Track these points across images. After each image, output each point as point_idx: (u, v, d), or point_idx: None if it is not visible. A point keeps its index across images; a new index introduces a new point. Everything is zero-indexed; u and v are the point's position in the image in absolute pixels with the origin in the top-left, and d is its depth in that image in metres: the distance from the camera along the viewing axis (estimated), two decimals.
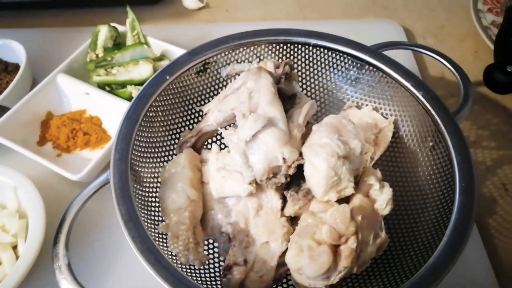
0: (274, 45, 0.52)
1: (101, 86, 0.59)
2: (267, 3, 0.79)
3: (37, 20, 0.77)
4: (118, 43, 0.64)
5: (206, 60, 0.49)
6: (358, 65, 0.50)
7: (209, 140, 0.52)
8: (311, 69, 0.53)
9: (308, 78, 0.53)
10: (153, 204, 0.43)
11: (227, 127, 0.48)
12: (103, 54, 0.62)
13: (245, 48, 0.51)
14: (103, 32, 0.62)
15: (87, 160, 0.55)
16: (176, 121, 0.50)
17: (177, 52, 0.62)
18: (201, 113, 0.52)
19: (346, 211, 0.36)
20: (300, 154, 0.42)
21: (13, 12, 0.78)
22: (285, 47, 0.52)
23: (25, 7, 0.78)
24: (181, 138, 0.49)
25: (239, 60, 0.52)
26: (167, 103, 0.48)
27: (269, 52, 0.52)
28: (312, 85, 0.54)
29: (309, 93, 0.54)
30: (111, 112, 0.57)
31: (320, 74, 0.53)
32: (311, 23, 0.75)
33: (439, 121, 0.43)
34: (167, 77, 0.47)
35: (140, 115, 0.44)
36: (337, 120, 0.43)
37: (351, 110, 0.51)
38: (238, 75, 0.52)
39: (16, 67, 0.64)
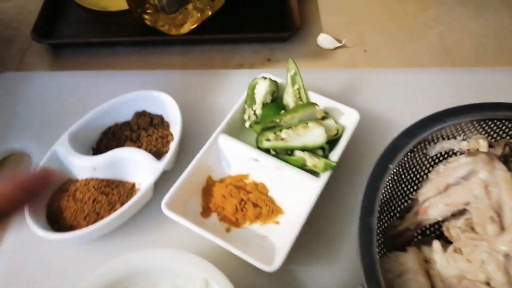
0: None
1: (267, 150, 0.54)
2: (407, 44, 0.73)
3: (162, 59, 0.72)
4: (275, 97, 0.58)
5: (420, 141, 0.44)
6: None
7: None
8: None
9: None
10: None
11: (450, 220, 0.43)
12: (261, 111, 0.56)
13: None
14: (263, 86, 0.56)
15: (261, 237, 0.50)
16: (385, 208, 0.44)
17: (341, 109, 0.56)
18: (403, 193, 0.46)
19: None
20: None
21: (130, 49, 0.73)
22: (489, 123, 0.46)
23: (146, 44, 0.73)
24: (391, 229, 0.43)
25: (443, 136, 0.46)
26: (386, 193, 0.42)
27: (472, 127, 0.46)
28: None
29: None
30: (280, 181, 0.52)
31: None
32: (460, 70, 0.68)
33: None
34: (390, 166, 0.41)
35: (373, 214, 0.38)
36: None
37: None
38: (447, 153, 0.47)
39: (161, 119, 0.59)
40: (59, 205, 0.52)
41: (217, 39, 0.71)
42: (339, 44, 0.71)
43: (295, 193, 0.52)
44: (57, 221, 0.51)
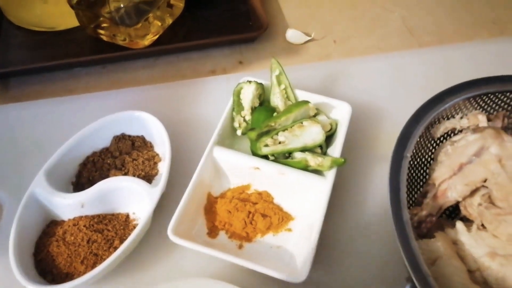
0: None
1: (264, 156, 0.51)
2: (373, 30, 0.73)
3: (127, 76, 0.67)
4: (262, 101, 0.56)
5: (427, 124, 0.43)
6: None
7: None
8: None
9: None
10: None
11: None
12: (250, 117, 0.54)
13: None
14: (249, 90, 0.54)
15: (276, 248, 0.48)
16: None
17: (330, 103, 0.54)
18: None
19: None
20: None
21: (89, 70, 0.67)
22: (485, 98, 0.47)
23: (106, 62, 0.68)
24: (412, 217, 0.43)
25: (444, 116, 0.46)
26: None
27: (468, 104, 0.47)
28: None
29: None
30: (285, 186, 0.50)
31: None
32: (428, 50, 0.70)
33: None
34: (408, 155, 0.40)
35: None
36: None
37: None
38: (447, 133, 0.47)
39: (143, 141, 0.55)
40: (49, 252, 0.46)
41: (184, 47, 0.68)
42: (309, 38, 0.70)
43: (302, 196, 0.50)
44: (49, 271, 0.45)
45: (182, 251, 0.48)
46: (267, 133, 0.51)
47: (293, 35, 0.70)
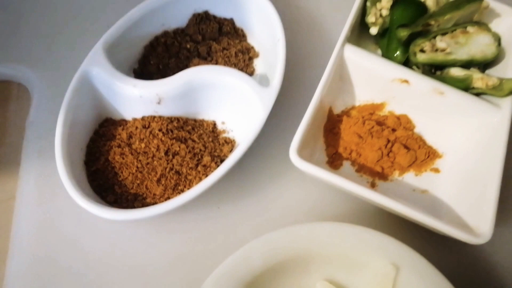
0: None
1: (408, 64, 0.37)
2: None
3: None
4: None
5: None
6: None
7: None
8: None
9: None
10: None
11: None
12: (388, 12, 0.38)
13: None
14: None
15: (421, 192, 0.35)
16: None
17: (494, 7, 0.40)
18: None
19: None
20: None
21: None
22: None
23: None
24: None
25: None
26: None
27: None
28: None
29: None
30: (434, 112, 0.36)
31: None
32: None
33: None
34: None
35: None
36: None
37: None
38: None
39: (232, 26, 0.39)
40: (108, 162, 0.32)
41: None
42: None
43: (457, 128, 0.36)
44: (110, 189, 0.31)
45: (289, 179, 0.35)
46: (419, 34, 0.36)
47: None
